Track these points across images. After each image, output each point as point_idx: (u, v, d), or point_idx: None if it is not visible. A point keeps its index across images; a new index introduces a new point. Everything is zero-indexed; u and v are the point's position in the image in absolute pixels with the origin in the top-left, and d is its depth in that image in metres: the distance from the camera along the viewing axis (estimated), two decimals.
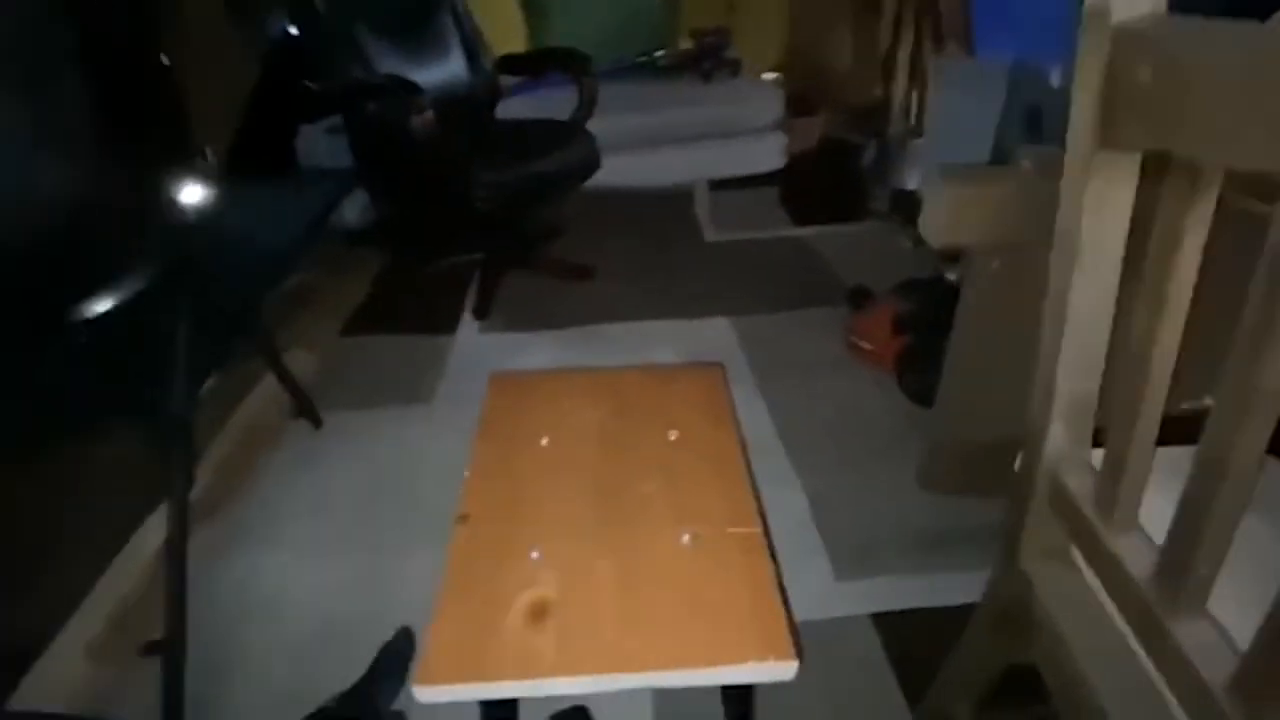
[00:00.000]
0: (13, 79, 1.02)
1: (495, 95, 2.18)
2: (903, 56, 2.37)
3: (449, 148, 1.76)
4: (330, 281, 2.18)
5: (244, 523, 1.32)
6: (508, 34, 2.60)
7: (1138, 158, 0.49)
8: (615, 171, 2.17)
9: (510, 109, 2.25)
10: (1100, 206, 0.51)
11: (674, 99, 2.79)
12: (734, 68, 2.93)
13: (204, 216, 1.13)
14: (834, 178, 2.69)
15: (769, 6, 2.96)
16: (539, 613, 0.64)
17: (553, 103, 2.18)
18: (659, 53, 2.94)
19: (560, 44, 2.50)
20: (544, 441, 0.84)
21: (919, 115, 2.34)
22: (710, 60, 2.89)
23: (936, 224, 1.11)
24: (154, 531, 1.14)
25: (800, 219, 2.51)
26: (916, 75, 2.34)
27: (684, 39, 2.94)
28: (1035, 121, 1.60)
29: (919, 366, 1.52)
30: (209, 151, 2.11)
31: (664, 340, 1.84)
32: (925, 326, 1.56)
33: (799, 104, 2.87)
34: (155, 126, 1.46)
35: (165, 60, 1.98)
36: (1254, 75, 0.35)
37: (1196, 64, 0.40)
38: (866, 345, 1.70)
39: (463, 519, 0.74)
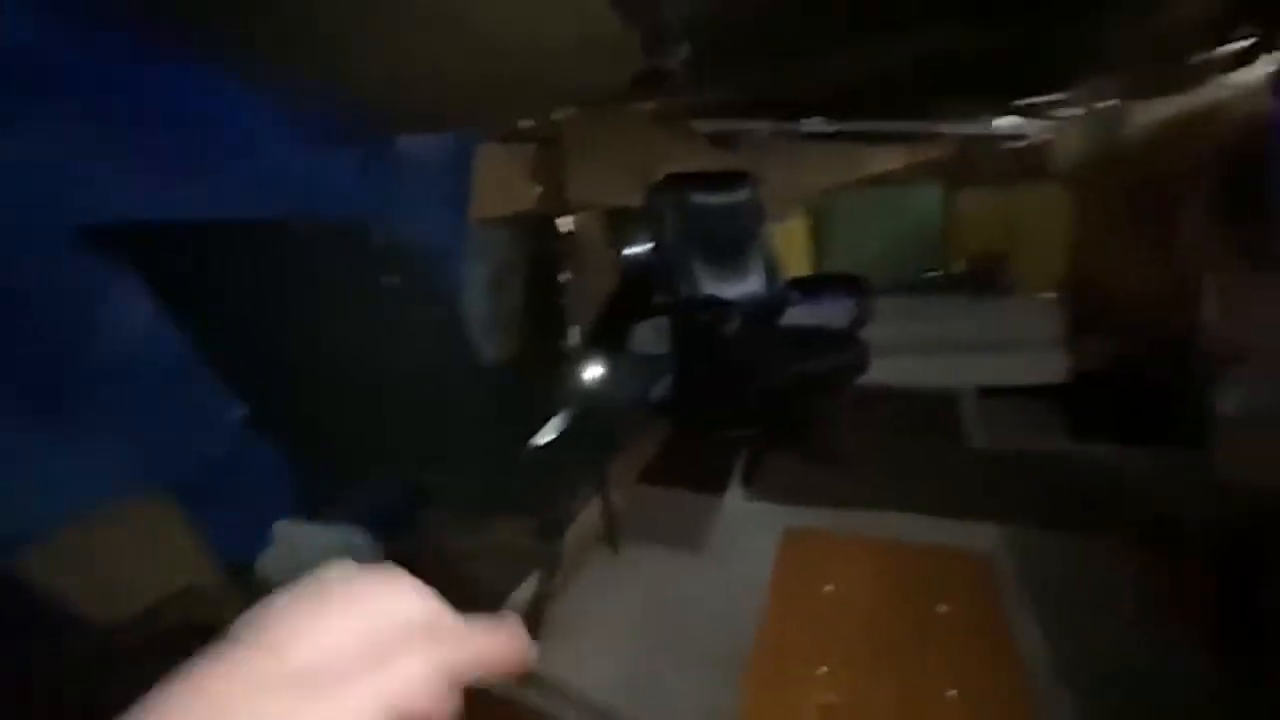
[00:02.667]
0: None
1: (784, 306, 2.67)
2: (1208, 276, 2.30)
3: (745, 347, 2.23)
4: (631, 439, 2.73)
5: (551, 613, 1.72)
6: (797, 257, 3.17)
7: None
8: (885, 372, 2.44)
9: (795, 316, 2.71)
10: None
11: (943, 313, 3.02)
12: (1007, 287, 3.07)
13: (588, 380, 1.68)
14: (1123, 397, 2.57)
15: (1050, 229, 3.11)
16: None
17: (831, 312, 2.59)
18: (934, 273, 3.24)
19: (842, 262, 2.97)
20: (827, 598, 1.03)
21: (1230, 336, 2.20)
22: (983, 280, 3.09)
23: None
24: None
25: (1081, 436, 2.44)
26: (1225, 295, 2.24)
27: (959, 262, 3.22)
28: None
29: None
30: (575, 331, 2.93)
31: (923, 535, 1.93)
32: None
33: (1085, 323, 2.86)
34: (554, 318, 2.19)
35: (562, 277, 2.88)
36: None
37: None
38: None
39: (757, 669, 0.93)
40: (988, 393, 2.79)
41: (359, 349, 1.12)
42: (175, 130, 1.31)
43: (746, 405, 2.51)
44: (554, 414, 1.51)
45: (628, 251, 3.17)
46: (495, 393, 1.27)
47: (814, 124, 3.12)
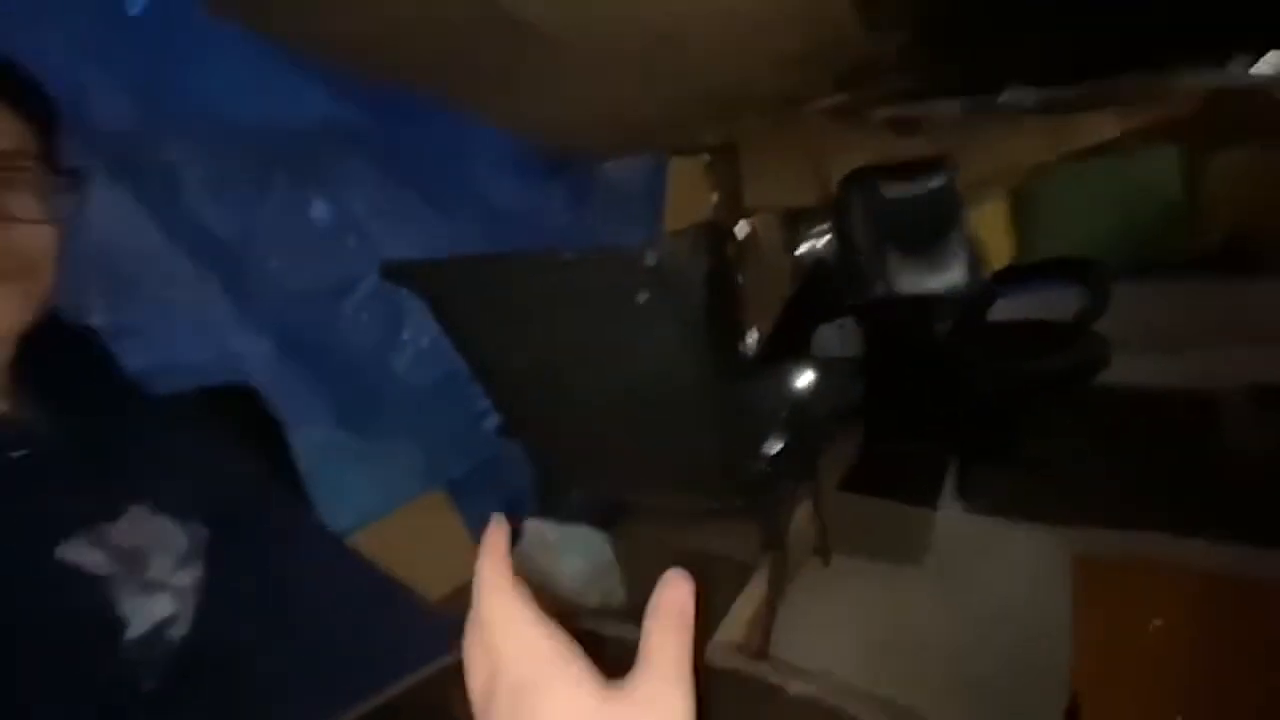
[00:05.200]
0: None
1: (992, 299, 2.44)
2: None
3: (952, 346, 2.07)
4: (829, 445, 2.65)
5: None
6: (996, 243, 2.89)
7: None
8: (1122, 370, 2.13)
9: (1006, 309, 2.47)
10: None
11: (1188, 299, 2.58)
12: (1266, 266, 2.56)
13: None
14: None
15: None
16: None
17: (1051, 303, 2.32)
18: (1176, 252, 2.79)
19: (1052, 247, 2.66)
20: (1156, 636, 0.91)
21: None
22: (1248, 257, 2.60)
23: None
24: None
25: None
26: None
27: (1207, 237, 2.74)
28: None
29: None
30: (754, 332, 2.92)
31: (1193, 560, 1.66)
32: None
33: None
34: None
35: (740, 279, 2.87)
36: None
37: None
38: None
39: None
40: (1259, 392, 2.34)
41: (602, 363, 1.20)
42: (430, 176, 1.50)
43: (955, 410, 2.33)
44: (772, 423, 1.51)
45: (802, 250, 3.09)
46: (719, 404, 1.29)
47: (1015, 96, 2.83)
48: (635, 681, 0.27)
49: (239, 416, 0.91)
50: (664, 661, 0.28)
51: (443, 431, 1.37)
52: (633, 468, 1.42)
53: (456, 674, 0.53)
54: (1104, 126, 3.00)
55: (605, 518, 1.56)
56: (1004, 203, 3.10)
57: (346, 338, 1.22)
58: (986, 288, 2.43)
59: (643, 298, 1.02)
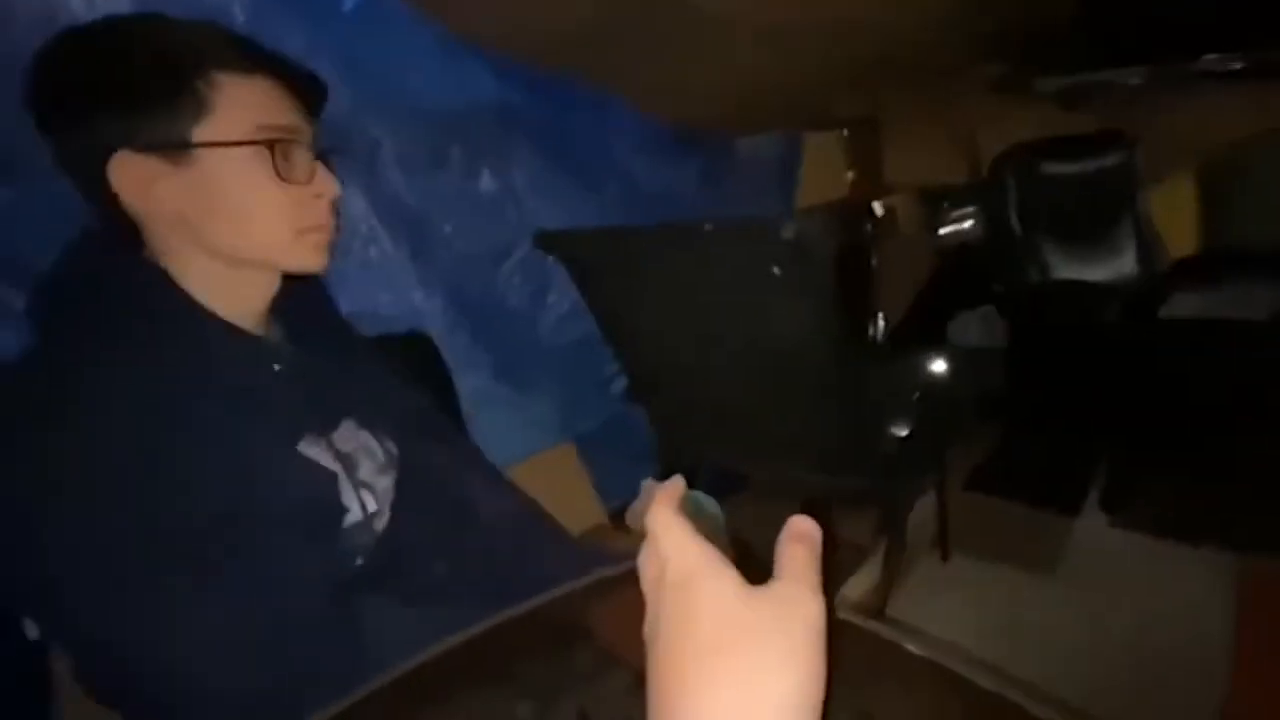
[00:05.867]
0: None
1: (1169, 292, 2.19)
2: None
3: (1118, 342, 1.89)
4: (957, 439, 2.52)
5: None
6: (1179, 230, 2.56)
7: None
8: None
9: (1185, 305, 2.21)
10: None
11: None
12: None
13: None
14: None
15: None
16: None
17: (1239, 300, 2.04)
18: None
19: (1248, 234, 2.32)
20: None
21: None
22: None
23: None
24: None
25: None
26: None
27: None
28: None
29: None
30: (881, 319, 2.82)
31: None
32: None
33: None
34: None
35: (874, 262, 2.78)
36: None
37: None
38: None
39: None
40: None
41: (733, 334, 1.24)
42: (577, 153, 1.59)
43: (1111, 413, 2.13)
44: (900, 407, 1.48)
45: (945, 232, 2.91)
46: (847, 381, 1.29)
47: (1212, 61, 2.48)
48: (775, 585, 0.32)
49: (418, 360, 1.05)
50: (799, 571, 0.32)
51: (575, 390, 1.49)
52: (755, 440, 1.46)
53: (592, 593, 0.60)
54: None
55: (721, 488, 1.62)
56: (1190, 184, 2.74)
57: (502, 298, 1.37)
58: (1162, 279, 2.18)
59: (777, 270, 1.05)
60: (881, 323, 2.86)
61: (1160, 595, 1.56)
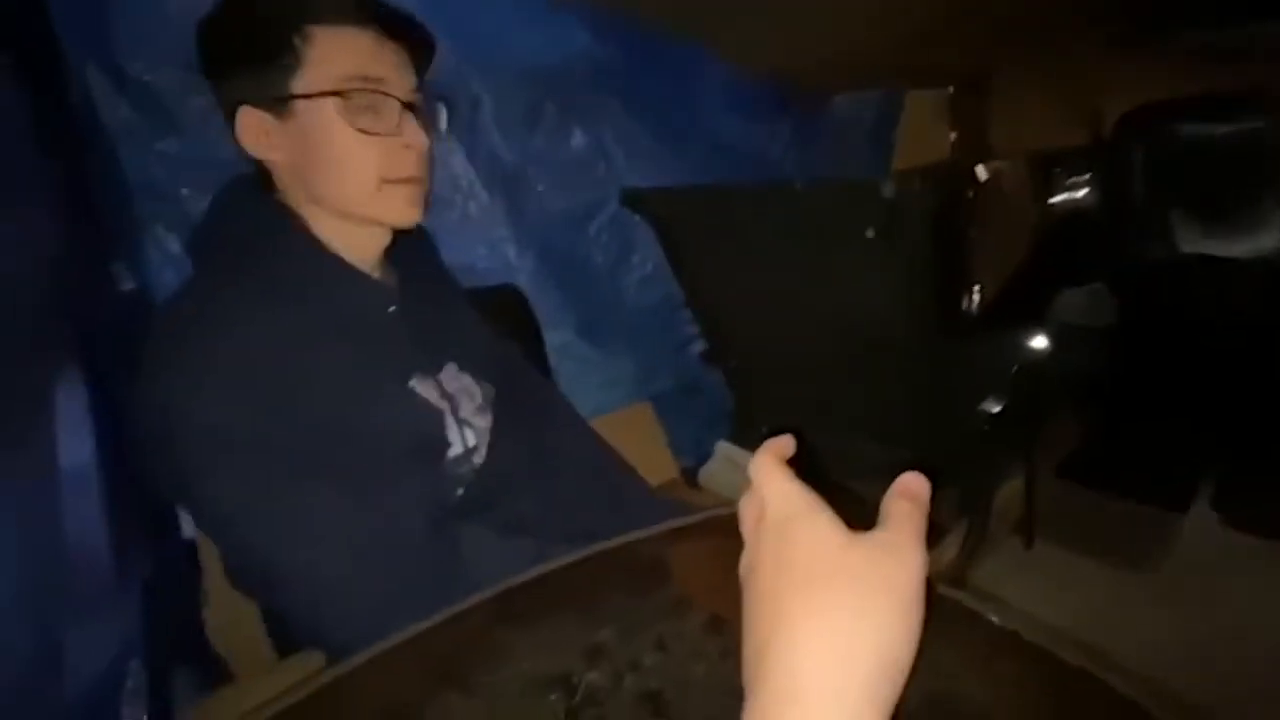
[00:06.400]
0: None
1: None
2: None
3: (1250, 331, 1.72)
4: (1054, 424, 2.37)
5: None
6: None
7: None
8: None
9: None
10: None
11: None
12: None
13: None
14: None
15: None
16: None
17: None
18: None
19: None
20: None
21: None
22: None
23: None
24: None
25: None
26: None
27: None
28: None
29: None
30: (976, 291, 2.66)
31: None
32: None
33: None
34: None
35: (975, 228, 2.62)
36: None
37: None
38: None
39: None
40: None
41: (820, 298, 1.22)
42: (666, 111, 1.57)
43: (1237, 405, 1.95)
44: (993, 383, 1.42)
45: (1056, 200, 2.69)
46: (937, 352, 1.25)
47: None
48: (878, 533, 0.32)
49: (511, 313, 1.10)
50: (905, 521, 0.32)
51: (654, 351, 1.51)
52: (834, 407, 1.44)
53: (671, 539, 0.63)
54: None
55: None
56: None
57: (589, 256, 1.39)
58: None
59: (871, 233, 1.02)
60: (978, 295, 2.70)
61: (1267, 599, 1.45)
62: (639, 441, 1.46)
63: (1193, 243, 2.00)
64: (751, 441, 1.69)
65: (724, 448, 1.65)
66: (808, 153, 1.86)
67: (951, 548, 1.59)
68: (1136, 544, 1.73)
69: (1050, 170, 2.67)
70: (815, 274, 1.14)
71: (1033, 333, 1.90)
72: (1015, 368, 1.59)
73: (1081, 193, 2.59)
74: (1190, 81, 2.41)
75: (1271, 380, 1.77)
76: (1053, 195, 2.68)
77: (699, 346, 1.59)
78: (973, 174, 2.55)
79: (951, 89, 2.49)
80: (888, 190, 0.91)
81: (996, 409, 1.41)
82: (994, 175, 2.59)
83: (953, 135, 2.54)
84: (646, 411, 1.51)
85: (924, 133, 2.34)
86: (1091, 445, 2.21)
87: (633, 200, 1.27)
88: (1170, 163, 2.03)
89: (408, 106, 0.69)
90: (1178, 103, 2.09)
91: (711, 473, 1.67)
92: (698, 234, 1.22)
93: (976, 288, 2.63)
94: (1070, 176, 2.63)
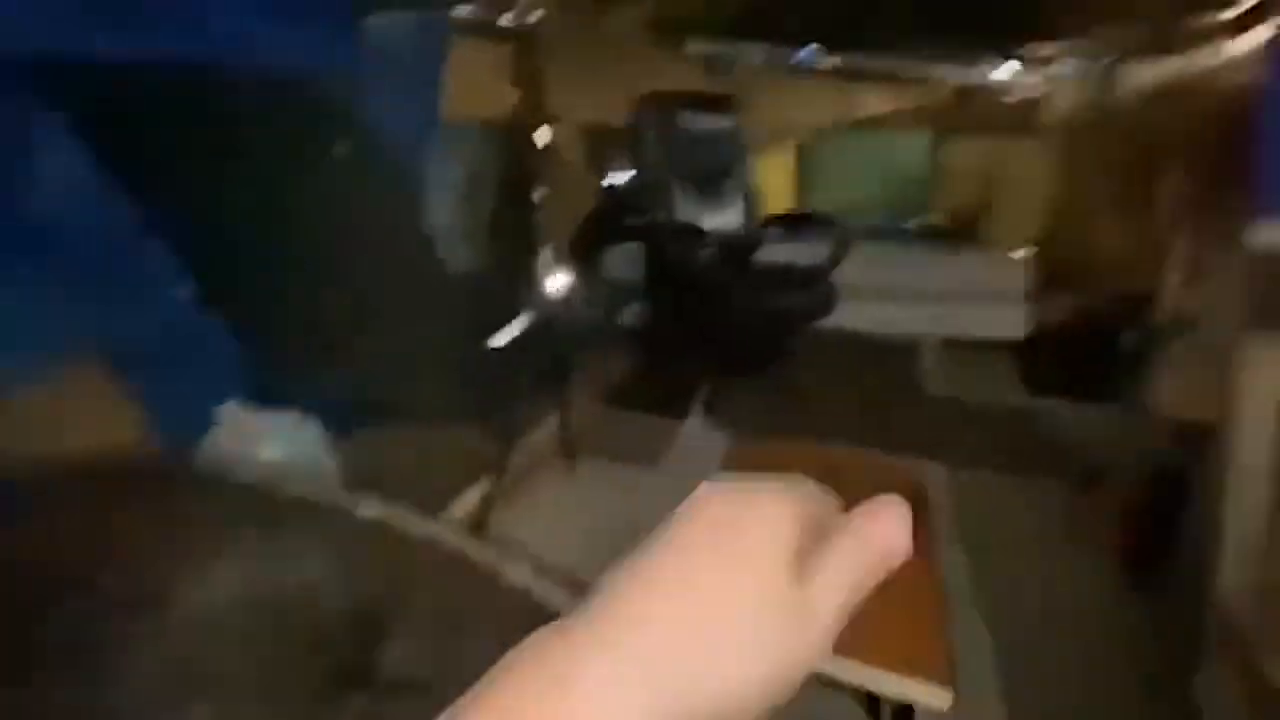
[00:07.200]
0: None
1: (760, 241, 2.64)
2: (1177, 241, 2.34)
3: (717, 279, 2.22)
4: (595, 360, 2.72)
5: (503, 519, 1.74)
6: (781, 193, 3.12)
7: None
8: (851, 315, 2.45)
9: (771, 252, 2.69)
10: None
11: (918, 262, 3.03)
12: (981, 240, 3.09)
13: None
14: (1081, 356, 2.64)
15: (1030, 186, 3.11)
16: None
17: (807, 251, 2.57)
18: (914, 221, 3.23)
19: (825, 203, 2.94)
20: None
21: (1184, 302, 2.26)
22: (961, 232, 3.09)
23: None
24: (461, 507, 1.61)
25: (1037, 389, 2.51)
26: (1189, 263, 2.29)
27: (940, 213, 3.21)
28: None
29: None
30: (547, 251, 2.86)
31: None
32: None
33: (1054, 280, 2.90)
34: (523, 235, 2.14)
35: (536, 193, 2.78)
36: None
37: None
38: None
39: None
40: (950, 344, 2.84)
41: (310, 228, 1.07)
42: None
43: (714, 337, 2.51)
44: (511, 321, 1.49)
45: (610, 176, 3.07)
46: (454, 295, 1.24)
47: (807, 56, 3.01)
48: (809, 589, 0.23)
49: None
50: (837, 591, 0.23)
51: (107, 291, 1.14)
52: (356, 351, 1.32)
53: None
54: (880, 102, 3.33)
55: (326, 408, 1.44)
56: (792, 156, 3.34)
57: None
58: (756, 230, 2.62)
59: (341, 150, 0.91)
60: (545, 253, 2.91)
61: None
62: (75, 409, 1.10)
63: (685, 212, 2.49)
64: (268, 399, 1.45)
65: (230, 412, 1.38)
66: (341, 73, 1.65)
67: (487, 477, 1.65)
68: (651, 446, 2.11)
69: (600, 144, 3.02)
70: (289, 190, 0.99)
71: (578, 281, 2.10)
72: (553, 307, 1.74)
73: (621, 166, 3.00)
74: (696, 80, 2.98)
75: (737, 324, 2.31)
76: (603, 167, 3.04)
77: (186, 284, 1.28)
78: (531, 137, 2.71)
79: (511, 46, 2.56)
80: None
81: (524, 342, 1.50)
82: (553, 141, 2.81)
83: (514, 94, 2.62)
84: (93, 371, 1.14)
85: (479, 84, 2.35)
86: (628, 376, 2.62)
87: (18, 77, 0.89)
88: (673, 144, 2.47)
89: None
90: (678, 95, 2.54)
91: (216, 442, 1.39)
92: (129, 127, 0.93)
93: (537, 246, 2.83)
94: (615, 152, 3.03)
